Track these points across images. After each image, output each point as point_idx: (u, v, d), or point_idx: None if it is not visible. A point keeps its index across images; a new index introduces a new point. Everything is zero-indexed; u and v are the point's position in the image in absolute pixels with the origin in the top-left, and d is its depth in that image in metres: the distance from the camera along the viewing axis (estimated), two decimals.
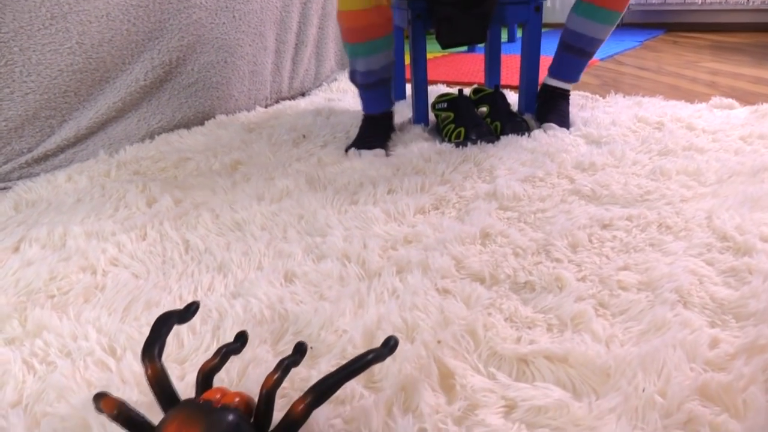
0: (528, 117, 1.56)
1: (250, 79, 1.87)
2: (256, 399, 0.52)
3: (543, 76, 1.59)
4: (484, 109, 1.54)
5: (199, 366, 0.55)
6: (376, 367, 0.66)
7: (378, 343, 0.70)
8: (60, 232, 1.04)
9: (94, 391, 0.65)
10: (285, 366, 0.52)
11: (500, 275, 0.84)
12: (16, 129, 1.36)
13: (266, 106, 1.95)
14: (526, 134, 1.42)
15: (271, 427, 0.50)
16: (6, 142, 1.35)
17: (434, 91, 2.03)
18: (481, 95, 1.57)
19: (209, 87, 1.73)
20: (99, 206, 1.16)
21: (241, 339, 0.60)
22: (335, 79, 2.27)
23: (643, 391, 0.59)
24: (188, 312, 0.60)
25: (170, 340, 0.73)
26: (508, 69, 2.42)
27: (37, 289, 0.86)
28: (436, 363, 0.66)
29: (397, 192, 1.15)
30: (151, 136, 1.61)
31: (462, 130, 1.41)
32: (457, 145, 1.39)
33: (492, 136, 1.40)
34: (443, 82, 2.28)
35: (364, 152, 1.37)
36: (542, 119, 1.49)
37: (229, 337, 0.73)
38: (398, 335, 0.70)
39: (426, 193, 1.14)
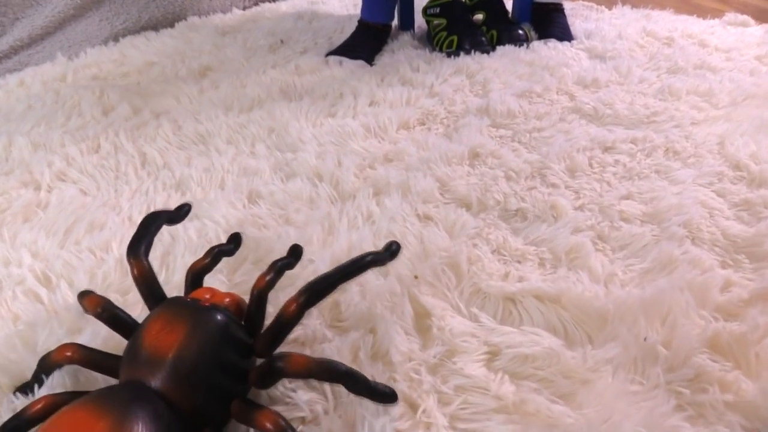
0: (527, 27, 1.42)
1: None
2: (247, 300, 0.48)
3: None
4: (480, 16, 1.38)
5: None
6: (343, 305, 0.57)
7: None
8: (4, 142, 0.93)
9: (21, 327, 0.56)
10: (278, 267, 0.48)
11: (489, 201, 0.74)
12: None
13: (244, 8, 1.77)
14: (525, 45, 1.29)
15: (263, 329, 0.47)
16: None
17: None
18: (477, 1, 1.42)
19: None
20: (50, 114, 1.03)
21: (235, 241, 0.56)
22: None
23: (645, 340, 0.52)
24: (179, 213, 0.56)
25: (114, 266, 0.64)
26: None
27: None
28: (411, 302, 0.57)
29: (379, 104, 1.03)
30: (115, 39, 1.45)
31: (455, 38, 1.27)
32: (449, 54, 1.26)
33: (487, 47, 1.26)
34: None
35: (346, 61, 1.24)
36: (541, 36, 1.35)
37: (181, 265, 0.64)
38: None
39: (412, 107, 1.02)
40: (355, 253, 0.63)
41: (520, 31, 1.31)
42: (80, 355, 0.45)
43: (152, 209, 0.75)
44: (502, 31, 1.30)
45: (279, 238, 0.67)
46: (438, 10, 1.35)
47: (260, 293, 0.47)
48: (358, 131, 0.93)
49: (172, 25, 1.56)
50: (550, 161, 0.83)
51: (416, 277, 0.60)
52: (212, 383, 0.41)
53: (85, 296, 0.49)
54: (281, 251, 0.64)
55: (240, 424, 0.44)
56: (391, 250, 0.51)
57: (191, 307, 0.44)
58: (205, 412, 0.41)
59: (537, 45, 1.29)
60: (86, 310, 0.49)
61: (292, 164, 0.84)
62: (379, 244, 0.64)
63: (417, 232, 0.68)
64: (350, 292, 0.58)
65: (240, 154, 0.88)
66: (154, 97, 1.08)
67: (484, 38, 1.28)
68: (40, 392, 0.48)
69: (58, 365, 0.48)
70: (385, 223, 0.69)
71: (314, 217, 0.72)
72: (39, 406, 0.41)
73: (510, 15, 1.41)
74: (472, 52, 1.24)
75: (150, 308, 0.48)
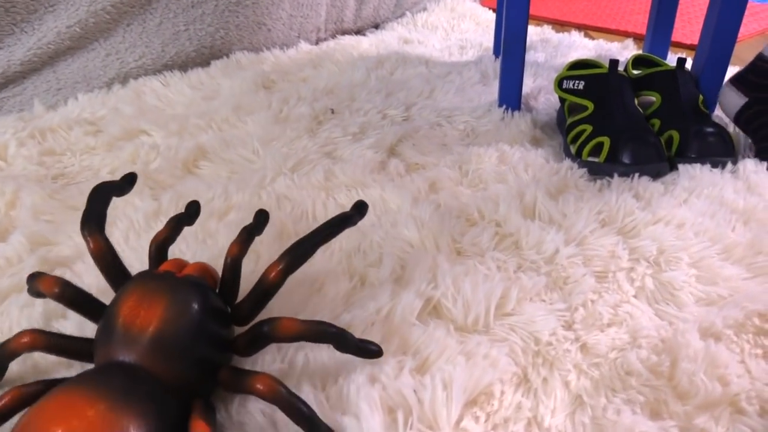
0: (726, 124, 0.83)
1: None
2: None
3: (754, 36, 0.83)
4: (652, 99, 0.82)
5: None
6: None
7: None
8: None
9: None
10: (248, 232, 0.46)
11: None
12: None
13: (317, 41, 1.32)
14: (729, 164, 0.71)
15: (240, 298, 0.45)
16: None
17: (544, 38, 1.29)
18: (647, 72, 0.85)
19: (226, 8, 1.12)
20: None
21: (193, 208, 0.52)
22: (424, 9, 1.56)
23: None
24: (125, 183, 0.49)
25: None
26: (688, 13, 1.60)
27: None
28: None
29: (439, 315, 0.52)
30: (124, 80, 1.05)
31: (606, 141, 0.72)
32: (592, 170, 0.72)
33: (661, 162, 0.70)
34: (562, 24, 1.51)
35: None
36: (763, 141, 0.76)
37: None
38: None
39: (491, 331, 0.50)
40: None
41: (721, 135, 0.73)
42: (41, 341, 0.40)
43: None
44: (688, 132, 0.73)
45: None
46: (581, 84, 0.80)
47: (234, 261, 0.44)
48: None
49: (207, 63, 1.13)
50: None
51: None
52: (197, 355, 0.38)
53: (36, 278, 0.43)
54: None
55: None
56: (360, 210, 0.46)
57: (166, 279, 0.41)
58: (193, 384, 0.38)
59: (753, 166, 0.70)
60: (39, 295, 0.45)
61: None
62: None
63: None
64: None
65: None
66: (61, 234, 0.65)
67: (655, 147, 0.72)
68: None
69: (17, 354, 0.41)
70: None
71: None
72: (6, 400, 0.36)
73: (700, 99, 0.82)
74: (633, 175, 0.69)
75: (113, 286, 0.44)
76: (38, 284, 0.43)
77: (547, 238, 0.58)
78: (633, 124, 0.73)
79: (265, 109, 0.91)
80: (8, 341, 0.41)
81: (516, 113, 0.87)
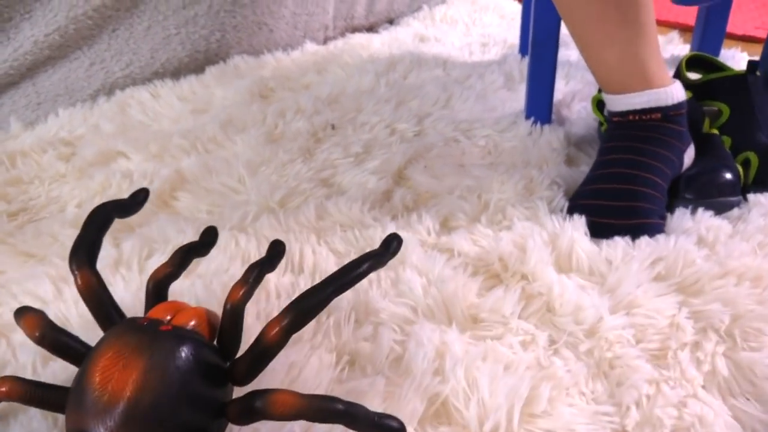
0: None
1: None
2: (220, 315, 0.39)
3: None
4: (715, 109, 0.68)
5: None
6: None
7: None
8: None
9: None
10: (256, 274, 0.39)
11: None
12: None
13: (325, 40, 1.19)
14: None
15: (240, 353, 0.37)
16: None
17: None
18: (708, 78, 0.71)
19: (221, 9, 1.01)
20: None
21: (210, 236, 0.46)
22: (443, 1, 1.42)
23: None
24: (134, 202, 0.43)
25: None
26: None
27: None
28: None
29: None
30: (110, 91, 0.94)
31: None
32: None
33: (733, 197, 0.57)
34: None
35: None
36: None
37: None
38: None
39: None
40: None
41: None
42: (18, 391, 0.36)
43: None
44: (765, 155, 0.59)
45: None
46: None
47: (234, 308, 0.37)
48: None
49: (202, 69, 1.02)
50: None
51: None
52: (181, 427, 0.32)
53: (22, 314, 0.39)
54: None
55: None
56: (393, 248, 0.39)
57: (148, 332, 0.34)
58: None
59: None
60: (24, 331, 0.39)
61: None
62: None
63: None
64: None
65: None
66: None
67: (729, 173, 0.58)
68: None
69: None
70: None
71: None
72: None
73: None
74: (695, 208, 0.56)
75: (102, 328, 0.39)
76: (22, 322, 0.38)
77: (587, 302, 0.46)
78: (708, 149, 0.60)
79: (259, 124, 0.80)
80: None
81: (546, 127, 0.74)
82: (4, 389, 0.36)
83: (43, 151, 0.77)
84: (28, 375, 0.43)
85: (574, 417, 0.38)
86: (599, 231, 0.53)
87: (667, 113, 0.56)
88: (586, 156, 0.71)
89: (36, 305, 0.47)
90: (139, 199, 0.44)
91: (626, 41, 0.55)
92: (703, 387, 0.40)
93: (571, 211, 0.56)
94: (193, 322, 0.37)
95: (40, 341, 0.37)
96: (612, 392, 0.40)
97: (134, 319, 0.36)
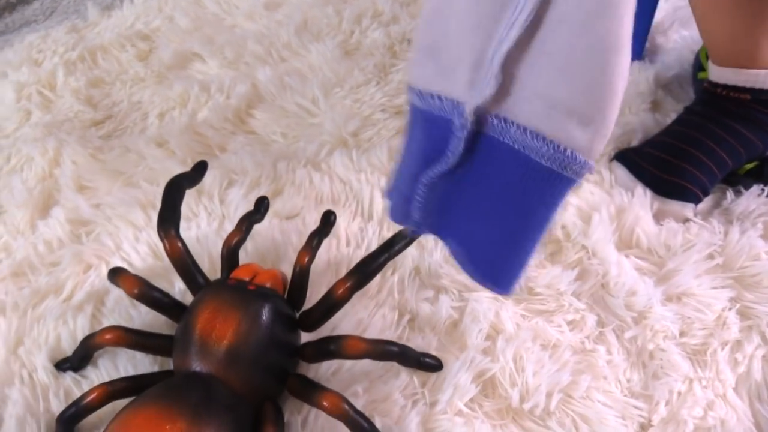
0: None
1: None
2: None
3: None
4: None
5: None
6: None
7: None
8: None
9: None
10: (317, 241, 0.47)
11: None
12: None
13: None
14: None
15: (306, 306, 0.46)
16: None
17: None
18: None
19: None
20: None
21: (262, 205, 0.50)
22: None
23: None
24: (197, 173, 0.49)
25: None
26: None
27: None
28: None
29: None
30: None
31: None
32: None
33: None
34: None
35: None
36: None
37: None
38: None
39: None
40: None
41: None
42: (124, 339, 0.43)
43: None
44: None
45: None
46: None
47: (302, 270, 0.45)
48: None
49: None
50: None
51: None
52: (268, 365, 0.41)
53: (117, 274, 0.45)
54: None
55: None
56: None
57: (239, 291, 0.42)
58: (264, 390, 0.41)
59: None
60: (122, 289, 0.45)
61: None
62: None
63: None
64: None
65: None
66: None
67: None
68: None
69: (99, 347, 0.45)
70: None
71: None
72: (94, 395, 0.40)
73: None
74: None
75: (190, 289, 0.45)
76: (118, 281, 0.45)
77: (641, 288, 0.48)
78: None
79: (334, 30, 0.78)
80: (92, 335, 0.43)
81: (635, 65, 0.69)
82: (109, 336, 0.43)
83: (121, 46, 0.78)
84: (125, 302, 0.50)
85: (607, 407, 0.42)
86: (639, 173, 0.54)
87: (759, 97, 0.53)
88: (674, 101, 0.67)
89: (129, 231, 0.53)
90: (200, 170, 0.50)
91: (744, 18, 0.50)
92: (734, 388, 0.44)
93: (618, 157, 0.57)
94: (270, 283, 0.44)
95: (139, 297, 0.44)
96: (646, 384, 0.44)
97: (224, 281, 0.44)
